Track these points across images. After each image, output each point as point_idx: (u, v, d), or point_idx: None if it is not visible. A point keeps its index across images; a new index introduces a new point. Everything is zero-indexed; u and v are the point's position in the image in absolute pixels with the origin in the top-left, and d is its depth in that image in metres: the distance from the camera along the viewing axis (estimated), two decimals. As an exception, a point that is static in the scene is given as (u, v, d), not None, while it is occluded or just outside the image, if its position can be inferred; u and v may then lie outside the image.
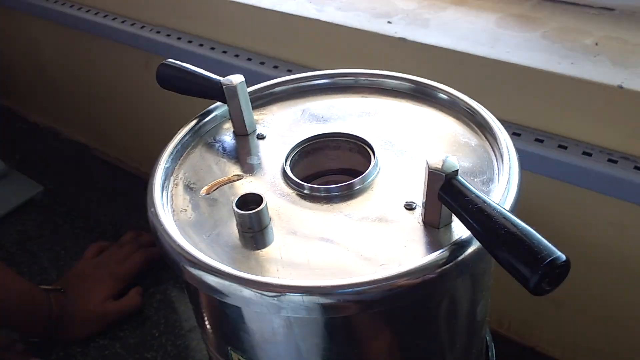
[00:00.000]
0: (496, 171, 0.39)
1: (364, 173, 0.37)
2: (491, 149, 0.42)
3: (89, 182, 1.34)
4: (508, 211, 0.29)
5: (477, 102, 0.69)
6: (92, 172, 1.38)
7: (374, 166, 0.38)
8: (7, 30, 1.44)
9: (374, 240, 0.34)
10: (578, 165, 0.65)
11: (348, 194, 0.37)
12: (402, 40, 0.72)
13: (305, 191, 0.38)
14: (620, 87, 0.61)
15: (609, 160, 0.64)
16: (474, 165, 0.39)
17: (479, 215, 0.29)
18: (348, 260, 0.33)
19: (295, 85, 0.48)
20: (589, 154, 0.65)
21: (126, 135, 1.33)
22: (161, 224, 0.35)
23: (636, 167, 0.63)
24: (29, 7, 1.23)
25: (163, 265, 1.09)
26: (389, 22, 0.76)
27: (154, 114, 1.16)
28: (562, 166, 0.66)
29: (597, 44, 0.68)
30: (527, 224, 0.29)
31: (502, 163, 0.39)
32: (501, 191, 0.35)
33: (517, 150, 0.67)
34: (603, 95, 0.62)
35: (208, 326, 0.39)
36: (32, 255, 1.17)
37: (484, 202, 0.29)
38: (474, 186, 0.31)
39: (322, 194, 0.38)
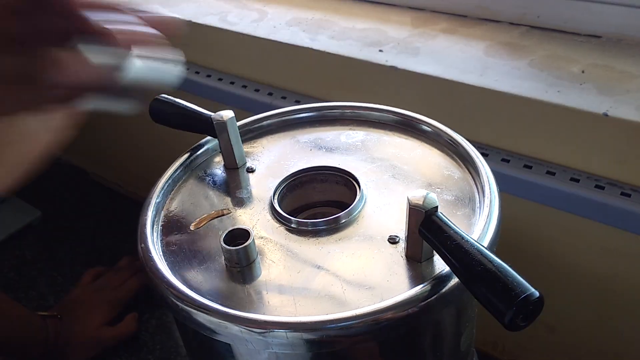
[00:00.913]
0: (478, 204, 0.40)
1: (350, 206, 0.38)
2: (473, 182, 0.43)
3: (86, 207, 1.35)
4: (486, 247, 0.30)
5: (466, 129, 0.70)
6: (90, 197, 1.38)
7: (359, 200, 0.39)
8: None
9: (359, 274, 0.35)
10: (566, 191, 0.66)
11: (334, 228, 0.38)
12: (393, 68, 0.74)
13: (293, 225, 0.39)
14: (606, 114, 0.62)
15: (596, 186, 0.65)
16: (456, 198, 0.40)
17: (456, 252, 0.30)
18: (333, 294, 0.34)
19: (283, 118, 0.49)
20: (577, 180, 0.66)
21: (124, 160, 1.34)
22: (151, 261, 0.36)
23: (623, 194, 0.64)
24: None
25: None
26: (380, 51, 0.77)
27: (152, 139, 1.17)
28: (550, 192, 0.66)
29: (583, 72, 0.69)
30: (504, 260, 0.30)
31: (484, 197, 0.39)
32: (481, 227, 0.36)
33: (506, 176, 0.69)
34: (589, 123, 0.63)
35: None
36: (30, 280, 1.18)
37: (462, 238, 0.30)
38: (454, 222, 0.32)
39: (309, 228, 0.38)
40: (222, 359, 0.36)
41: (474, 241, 0.30)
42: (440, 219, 0.32)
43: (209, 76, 0.95)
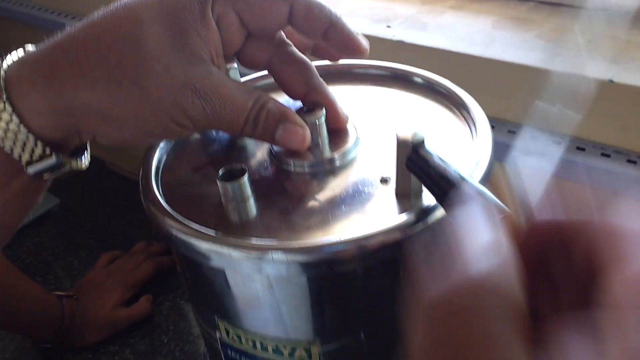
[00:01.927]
0: (471, 143, 0.41)
1: (345, 148, 0.39)
2: (466, 123, 0.43)
3: (103, 195, 1.37)
4: (469, 176, 0.31)
5: (474, 99, 0.70)
6: (107, 186, 1.41)
7: (354, 143, 0.40)
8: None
9: (351, 210, 0.36)
10: (573, 160, 0.66)
11: (330, 169, 0.39)
12: (400, 42, 0.74)
13: (290, 167, 0.40)
14: (611, 81, 0.62)
15: (602, 154, 0.65)
16: (450, 138, 0.41)
17: (439, 180, 0.30)
18: (325, 227, 0.34)
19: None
20: (583, 149, 0.66)
21: (139, 149, 1.36)
22: (150, 194, 0.37)
23: (629, 161, 0.63)
24: (43, 21, 1.28)
25: (173, 273, 1.11)
26: (388, 27, 0.78)
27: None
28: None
29: (590, 42, 0.69)
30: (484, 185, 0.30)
31: (476, 135, 0.40)
32: (472, 162, 0.37)
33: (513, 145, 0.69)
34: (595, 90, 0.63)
35: (196, 298, 0.40)
36: (47, 265, 1.20)
37: (446, 168, 0.31)
38: (441, 156, 0.33)
39: (306, 170, 0.39)
40: (218, 293, 0.37)
41: (456, 170, 0.31)
42: (427, 151, 0.32)
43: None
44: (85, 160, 0.38)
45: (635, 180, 0.62)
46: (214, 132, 0.45)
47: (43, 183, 0.36)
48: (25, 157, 0.32)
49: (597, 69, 0.64)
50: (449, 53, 0.71)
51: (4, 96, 0.30)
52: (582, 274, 0.20)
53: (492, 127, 0.71)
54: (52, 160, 0.33)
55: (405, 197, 0.36)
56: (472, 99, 0.45)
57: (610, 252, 0.19)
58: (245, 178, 0.37)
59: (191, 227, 0.34)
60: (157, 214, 0.36)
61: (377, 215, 0.34)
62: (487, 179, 0.37)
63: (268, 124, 0.34)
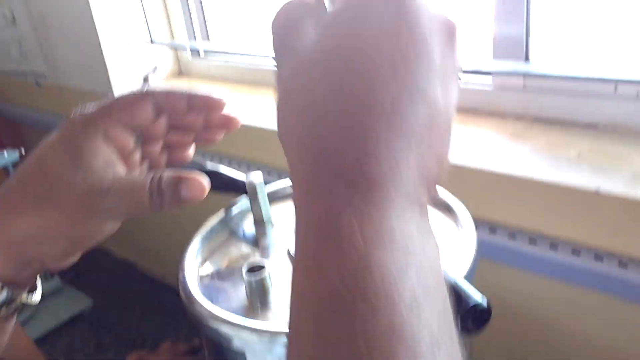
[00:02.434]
0: (458, 242, 0.47)
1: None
2: (456, 225, 0.50)
3: (134, 298, 1.44)
4: (456, 277, 0.37)
5: (475, 207, 0.77)
6: (138, 288, 1.48)
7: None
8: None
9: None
10: (568, 263, 0.71)
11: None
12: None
13: (304, 264, 0.47)
14: (597, 191, 0.68)
15: (596, 258, 0.70)
16: (444, 242, 0.48)
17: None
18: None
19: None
20: (578, 253, 0.71)
21: (169, 253, 1.44)
22: (188, 288, 0.44)
23: (620, 263, 0.69)
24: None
25: (197, 372, 1.15)
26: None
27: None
28: (554, 264, 0.72)
29: (579, 155, 0.77)
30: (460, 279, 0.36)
31: (463, 235, 0.47)
32: (457, 257, 0.43)
33: (513, 250, 0.75)
34: (583, 199, 0.70)
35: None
36: (77, 365, 1.25)
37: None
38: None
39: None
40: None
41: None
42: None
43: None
44: (37, 295, 0.43)
45: (624, 282, 0.67)
46: (241, 234, 0.53)
47: (4, 321, 0.41)
48: None
49: (584, 180, 0.71)
50: (452, 165, 0.79)
51: None
52: None
53: (494, 231, 0.78)
54: (3, 294, 0.39)
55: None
56: (458, 201, 0.52)
57: None
58: (266, 272, 0.43)
59: (215, 315, 0.40)
60: (189, 304, 0.42)
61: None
62: (471, 274, 0.43)
63: (170, 189, 0.39)
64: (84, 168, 0.39)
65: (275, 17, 0.31)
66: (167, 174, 0.40)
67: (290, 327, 0.25)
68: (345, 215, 0.24)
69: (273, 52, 0.30)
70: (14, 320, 0.42)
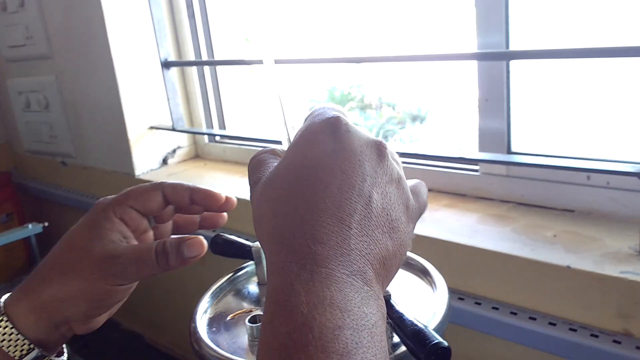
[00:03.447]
0: (431, 302, 0.55)
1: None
2: (431, 288, 0.57)
3: (140, 368, 1.48)
4: (423, 324, 0.44)
5: (458, 281, 0.85)
6: (145, 359, 1.52)
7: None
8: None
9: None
10: (545, 333, 0.77)
11: (329, 319, 0.53)
12: (402, 233, 0.91)
13: (299, 317, 0.54)
14: (569, 267, 0.76)
15: (570, 329, 0.77)
16: (417, 298, 0.55)
17: (398, 321, 0.45)
18: None
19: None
20: (554, 324, 0.78)
21: (176, 324, 1.49)
22: (197, 334, 0.52)
23: (592, 335, 0.75)
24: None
25: None
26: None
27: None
28: (532, 335, 0.78)
29: (555, 236, 0.85)
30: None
31: (436, 296, 0.54)
32: (429, 313, 0.51)
33: (496, 321, 0.81)
34: (555, 274, 0.77)
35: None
36: None
37: (402, 315, 0.45)
38: (403, 308, 0.47)
39: (311, 319, 0.54)
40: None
41: (408, 315, 0.45)
42: (391, 302, 0.47)
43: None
44: (64, 358, 0.52)
45: (597, 352, 0.73)
46: (246, 293, 0.61)
47: None
48: (17, 354, 0.47)
49: (558, 257, 0.78)
50: (439, 241, 0.87)
51: (4, 315, 0.47)
52: None
53: (479, 303, 0.85)
54: (34, 353, 0.47)
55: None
56: (434, 268, 0.59)
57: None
58: (266, 322, 0.51)
59: (220, 355, 0.48)
60: (199, 348, 0.50)
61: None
62: (442, 328, 0.51)
63: (174, 249, 0.48)
64: (102, 240, 0.48)
65: (250, 161, 0.42)
66: (171, 238, 0.49)
67: None
68: (295, 287, 0.31)
69: (248, 183, 0.41)
70: None
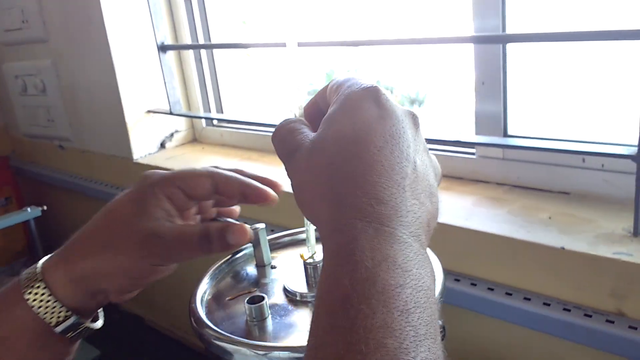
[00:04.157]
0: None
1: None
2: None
3: (141, 350, 1.50)
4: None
5: (455, 263, 0.86)
6: (145, 340, 1.54)
7: (344, 281, 0.55)
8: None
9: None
10: (540, 313, 0.78)
11: (326, 300, 0.54)
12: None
13: (297, 298, 0.55)
14: (563, 248, 0.77)
15: (564, 309, 0.78)
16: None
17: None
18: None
19: (297, 237, 0.67)
20: (548, 304, 0.79)
21: (177, 307, 1.51)
22: (196, 314, 0.53)
23: (586, 315, 0.76)
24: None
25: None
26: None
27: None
28: (526, 315, 0.79)
29: (550, 218, 0.85)
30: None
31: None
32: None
33: (491, 302, 0.82)
34: (550, 255, 0.78)
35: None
36: (83, 413, 1.30)
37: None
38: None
39: (308, 299, 0.55)
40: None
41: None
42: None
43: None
44: (99, 323, 0.52)
45: (590, 331, 0.75)
46: (244, 274, 0.61)
47: (68, 345, 0.49)
48: (54, 320, 0.47)
49: (552, 239, 0.79)
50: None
51: (41, 281, 0.47)
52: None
53: (474, 284, 0.86)
54: (71, 320, 0.47)
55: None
56: (430, 250, 0.59)
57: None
58: (264, 303, 0.52)
59: (223, 334, 0.48)
60: (198, 327, 0.51)
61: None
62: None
63: (218, 236, 0.48)
64: (146, 216, 0.48)
65: (277, 130, 0.42)
66: (216, 223, 0.49)
67: (311, 322, 0.33)
68: (360, 242, 0.32)
69: (279, 156, 0.41)
70: (78, 342, 0.51)
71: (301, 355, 0.46)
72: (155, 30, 1.39)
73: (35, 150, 1.91)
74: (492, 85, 0.96)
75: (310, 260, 0.55)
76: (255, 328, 0.52)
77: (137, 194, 0.50)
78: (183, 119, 1.56)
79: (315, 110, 0.46)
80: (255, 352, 0.47)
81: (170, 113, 1.44)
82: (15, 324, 0.47)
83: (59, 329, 0.48)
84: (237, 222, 0.50)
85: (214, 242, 0.49)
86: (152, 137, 1.53)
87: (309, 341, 0.33)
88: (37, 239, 1.58)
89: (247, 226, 0.50)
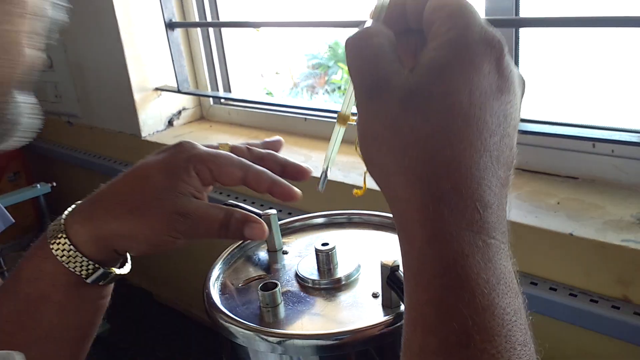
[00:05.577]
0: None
1: (349, 272, 0.55)
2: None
3: (149, 323, 1.52)
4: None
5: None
6: (153, 314, 1.56)
7: (355, 269, 0.56)
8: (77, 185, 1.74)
9: (349, 316, 0.51)
10: (546, 298, 0.79)
11: (337, 287, 0.55)
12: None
13: (309, 284, 0.56)
14: (571, 234, 0.77)
15: (570, 294, 0.78)
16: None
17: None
18: (330, 327, 0.50)
19: (309, 222, 0.68)
20: (555, 289, 0.80)
21: (185, 283, 1.53)
22: (210, 299, 0.54)
23: (592, 300, 0.77)
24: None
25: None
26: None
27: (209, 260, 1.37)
28: (533, 299, 0.80)
29: (558, 203, 0.86)
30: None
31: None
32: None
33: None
34: (558, 241, 0.79)
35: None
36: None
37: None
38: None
39: (320, 286, 0.55)
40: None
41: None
42: (400, 273, 0.48)
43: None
44: (127, 268, 0.54)
45: (596, 316, 0.75)
46: (256, 260, 0.62)
47: (103, 289, 0.52)
48: (84, 272, 0.49)
49: (561, 224, 0.79)
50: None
51: (64, 234, 0.48)
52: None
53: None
54: (100, 271, 0.50)
55: (388, 307, 0.51)
56: None
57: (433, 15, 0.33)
58: (277, 290, 0.53)
59: (235, 319, 0.49)
60: (214, 312, 0.52)
61: (367, 317, 0.49)
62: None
63: (237, 226, 0.49)
64: (175, 191, 0.49)
65: (354, 44, 0.34)
66: (239, 214, 0.50)
67: (406, 345, 0.29)
68: (471, 261, 0.28)
69: (352, 78, 0.34)
70: (112, 286, 0.53)
71: (317, 342, 0.47)
72: (163, 8, 1.38)
73: (44, 126, 1.91)
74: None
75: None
76: (269, 314, 0.53)
77: (171, 167, 0.50)
78: (190, 97, 1.56)
79: (398, 14, 0.36)
80: (269, 340, 0.48)
81: (178, 91, 1.44)
82: (50, 279, 0.49)
83: (89, 280, 0.50)
84: (259, 219, 0.51)
85: (231, 230, 0.50)
86: (160, 115, 1.53)
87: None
88: (47, 215, 1.59)
89: (265, 225, 0.51)
